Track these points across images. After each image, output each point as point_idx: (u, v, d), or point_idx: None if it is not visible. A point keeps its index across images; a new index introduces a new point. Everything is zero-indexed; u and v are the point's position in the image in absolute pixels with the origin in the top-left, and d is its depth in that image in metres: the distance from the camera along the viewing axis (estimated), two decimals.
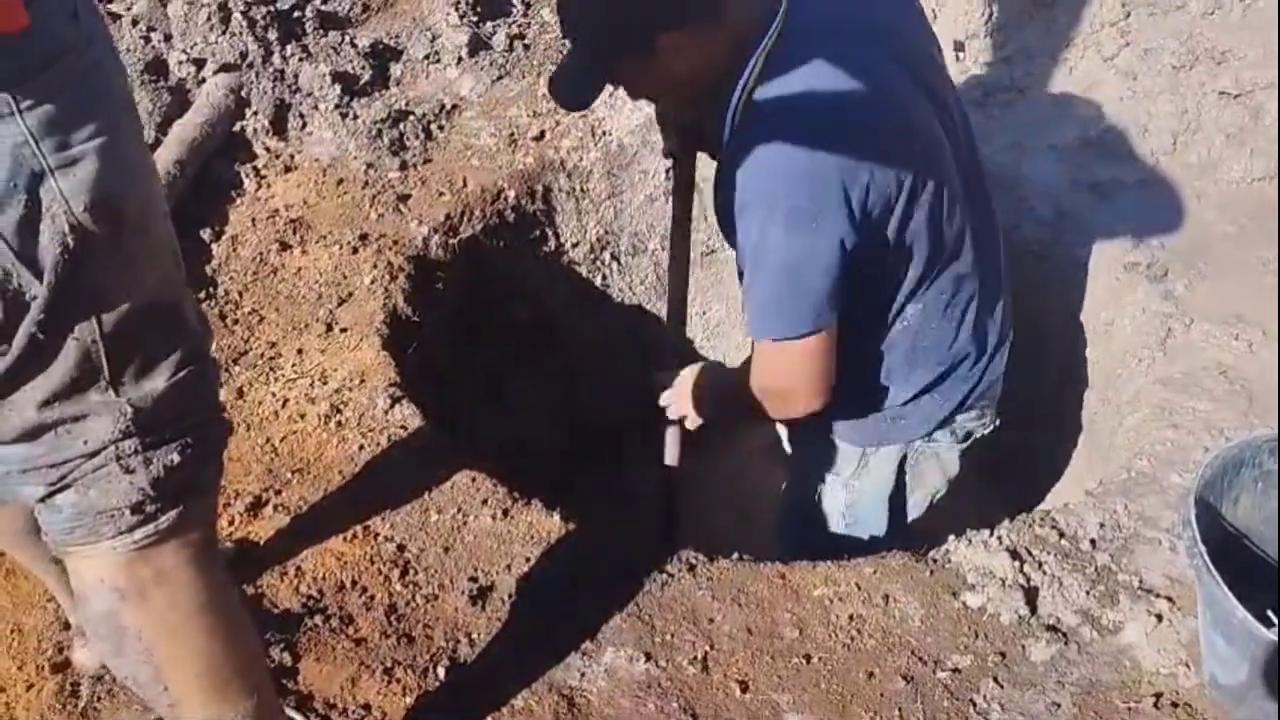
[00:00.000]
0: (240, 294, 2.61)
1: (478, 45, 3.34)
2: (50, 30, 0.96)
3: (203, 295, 2.58)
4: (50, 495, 1.15)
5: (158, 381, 1.14)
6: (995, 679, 1.73)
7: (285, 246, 2.74)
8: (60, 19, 0.98)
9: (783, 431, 2.44)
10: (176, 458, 1.17)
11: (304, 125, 3.08)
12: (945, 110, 1.80)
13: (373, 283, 2.62)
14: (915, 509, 2.16)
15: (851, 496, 2.13)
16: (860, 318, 1.84)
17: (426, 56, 3.31)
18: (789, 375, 1.80)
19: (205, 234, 2.76)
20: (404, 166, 2.99)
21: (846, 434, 2.07)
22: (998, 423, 2.12)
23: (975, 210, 1.86)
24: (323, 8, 3.34)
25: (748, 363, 1.89)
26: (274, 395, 2.33)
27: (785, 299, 1.70)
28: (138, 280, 1.08)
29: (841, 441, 2.08)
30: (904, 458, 2.07)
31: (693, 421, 2.17)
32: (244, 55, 3.10)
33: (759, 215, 1.64)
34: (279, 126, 3.06)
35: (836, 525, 2.18)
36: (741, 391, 1.89)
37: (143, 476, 1.15)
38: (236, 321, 2.54)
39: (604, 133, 3.11)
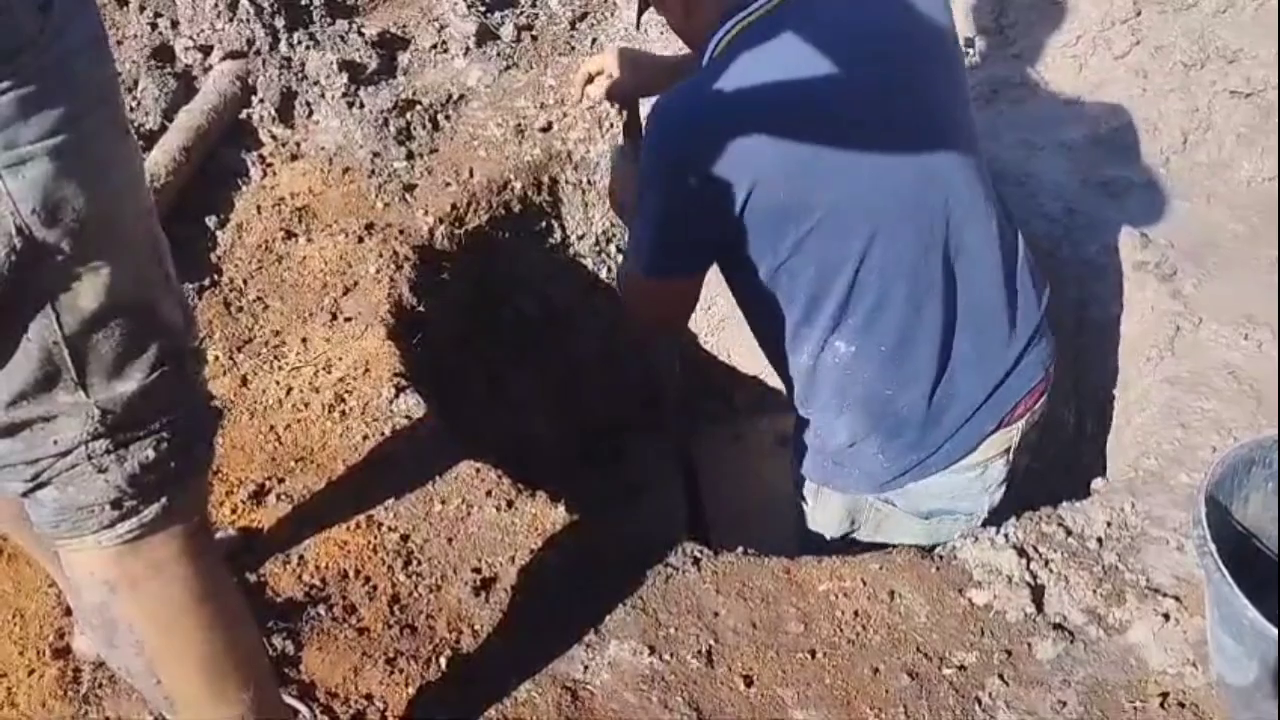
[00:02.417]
0: (245, 282, 2.60)
1: (485, 35, 3.33)
2: (8, 24, 0.93)
3: (207, 282, 2.57)
4: (30, 491, 1.14)
5: (129, 383, 1.11)
6: (1001, 676, 1.72)
7: (291, 235, 2.73)
8: (22, 12, 0.94)
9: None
10: (151, 453, 1.15)
11: (310, 114, 3.06)
12: (943, 136, 1.76)
13: (378, 272, 2.61)
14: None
15: (814, 525, 2.12)
16: (788, 330, 1.85)
17: (434, 46, 3.30)
18: (642, 300, 1.95)
19: (211, 221, 2.75)
20: (410, 156, 2.98)
21: (802, 461, 2.05)
22: (976, 522, 2.01)
23: (965, 265, 1.79)
24: None
25: None
26: (278, 384, 2.32)
27: (639, 233, 1.82)
28: (102, 282, 1.05)
29: (799, 468, 2.07)
30: (856, 508, 2.02)
31: (617, 210, 2.23)
32: (251, 42, 3.09)
33: (643, 154, 1.75)
34: (285, 114, 3.05)
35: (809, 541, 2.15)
36: (621, 267, 2.08)
37: (117, 474, 1.13)
38: (241, 309, 2.53)
39: (611, 125, 3.10)
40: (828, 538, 2.10)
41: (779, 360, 1.95)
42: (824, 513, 2.08)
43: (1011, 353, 1.90)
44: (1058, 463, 2.72)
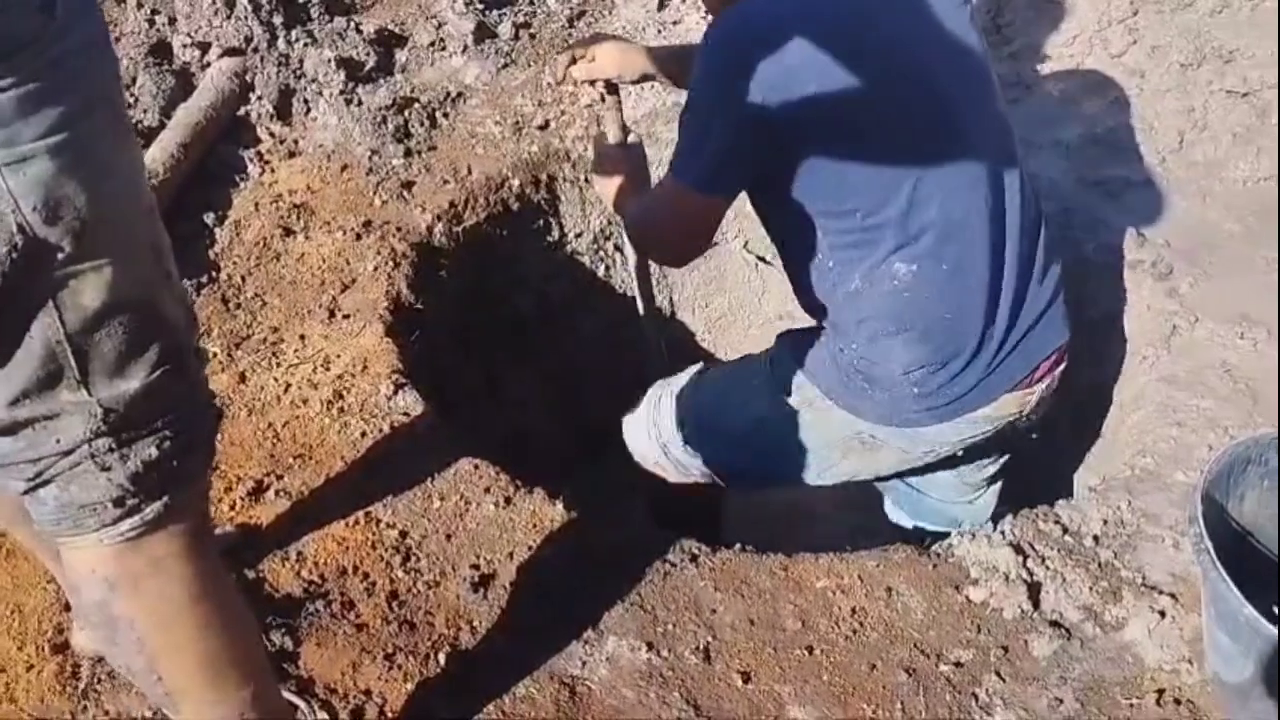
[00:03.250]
0: (243, 279, 2.60)
1: (483, 33, 3.33)
2: (5, 24, 0.93)
3: (205, 279, 2.58)
4: (32, 489, 1.14)
5: (132, 382, 1.11)
6: (997, 673, 1.73)
7: (289, 232, 2.73)
8: (20, 13, 0.94)
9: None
10: (154, 452, 1.15)
11: (308, 111, 3.07)
12: (967, 78, 1.80)
13: (376, 269, 2.61)
14: (826, 477, 2.10)
15: (780, 414, 2.05)
16: (837, 253, 1.85)
17: (432, 44, 3.30)
18: (668, 213, 1.92)
19: (209, 218, 2.75)
20: (408, 153, 2.98)
21: (815, 371, 2.00)
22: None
23: (1010, 198, 1.84)
24: None
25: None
26: (276, 380, 2.33)
27: (690, 148, 1.80)
28: (104, 280, 1.05)
29: (806, 376, 2.02)
30: (853, 429, 2.00)
31: (603, 194, 2.25)
32: (249, 39, 3.08)
33: (696, 69, 1.76)
34: (283, 112, 3.05)
35: (739, 421, 2.12)
36: (634, 210, 2.08)
37: (120, 473, 1.13)
38: (239, 306, 2.53)
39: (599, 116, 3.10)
40: (806, 448, 2.07)
41: (818, 287, 1.93)
42: (817, 424, 2.03)
43: (1041, 299, 1.92)
44: (1055, 460, 2.73)
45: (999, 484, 2.32)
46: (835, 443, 2.03)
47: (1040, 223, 1.94)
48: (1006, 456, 2.26)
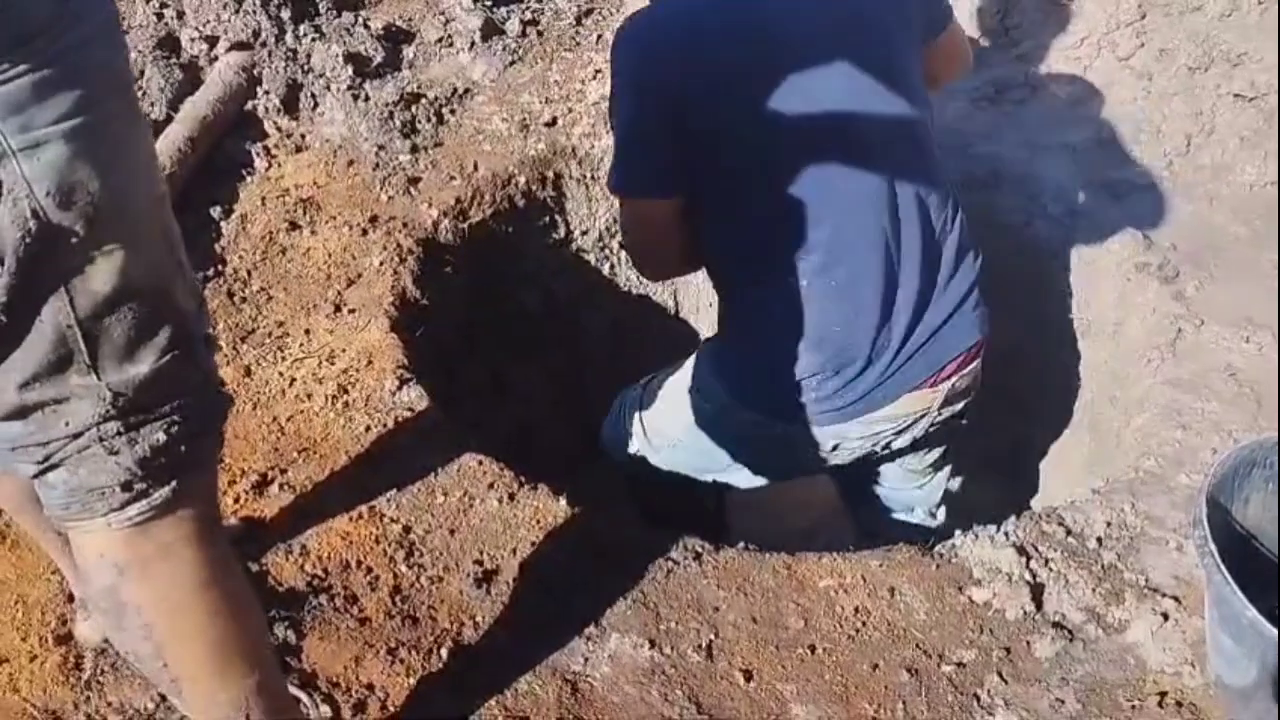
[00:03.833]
0: (249, 272, 2.61)
1: (491, 30, 3.33)
2: (19, 10, 0.94)
3: (211, 273, 2.58)
4: (41, 473, 1.15)
5: (141, 366, 1.12)
6: (1000, 674, 1.73)
7: (295, 226, 2.73)
8: (33, 0, 0.95)
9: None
10: (162, 436, 1.16)
11: (315, 106, 3.07)
12: (877, 86, 1.79)
13: (382, 264, 2.61)
14: (769, 474, 2.17)
15: (704, 418, 2.11)
16: (739, 261, 1.88)
17: (439, 40, 3.30)
18: (623, 224, 1.99)
19: (215, 212, 2.75)
20: (415, 149, 2.98)
21: (724, 373, 2.04)
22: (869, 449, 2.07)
23: (906, 210, 1.83)
24: None
25: None
26: (281, 374, 2.33)
27: (617, 154, 1.84)
28: (116, 266, 1.06)
29: (717, 379, 2.06)
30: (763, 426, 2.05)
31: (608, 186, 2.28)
32: (257, 34, 3.09)
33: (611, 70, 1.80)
34: (290, 106, 3.05)
35: (678, 427, 2.17)
36: None
37: (128, 456, 1.14)
38: (245, 300, 2.53)
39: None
40: (735, 447, 2.13)
41: (723, 290, 1.98)
42: (735, 424, 2.07)
43: (949, 303, 1.93)
44: (1054, 463, 2.73)
45: (947, 468, 2.36)
46: (754, 440, 2.07)
47: (953, 222, 1.93)
48: (947, 445, 2.28)
